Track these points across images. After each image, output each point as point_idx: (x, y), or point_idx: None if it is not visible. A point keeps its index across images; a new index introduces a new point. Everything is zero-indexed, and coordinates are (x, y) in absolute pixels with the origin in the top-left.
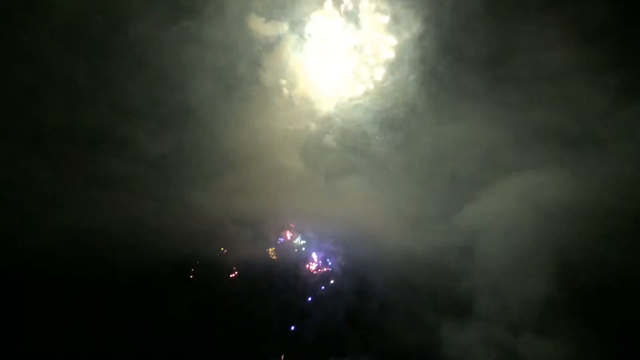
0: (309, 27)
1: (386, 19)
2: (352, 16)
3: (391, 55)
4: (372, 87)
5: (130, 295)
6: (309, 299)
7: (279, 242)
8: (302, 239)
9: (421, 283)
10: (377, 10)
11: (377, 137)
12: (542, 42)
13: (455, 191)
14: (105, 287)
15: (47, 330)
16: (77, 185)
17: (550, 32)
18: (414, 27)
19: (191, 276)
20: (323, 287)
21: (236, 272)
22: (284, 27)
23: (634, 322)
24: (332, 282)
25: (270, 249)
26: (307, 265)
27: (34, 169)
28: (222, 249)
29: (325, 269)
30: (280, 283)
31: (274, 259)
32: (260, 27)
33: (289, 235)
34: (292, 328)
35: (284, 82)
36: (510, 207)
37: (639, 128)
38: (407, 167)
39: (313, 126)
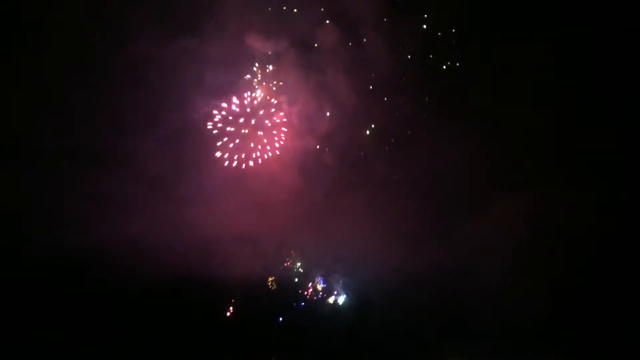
0: (309, 44)
1: (385, 36)
2: (351, 32)
3: (390, 72)
4: (371, 104)
5: (127, 314)
6: (308, 317)
7: (277, 259)
8: (301, 256)
9: (420, 301)
10: (377, 27)
11: (376, 155)
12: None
13: (454, 209)
14: (102, 305)
15: (44, 346)
16: (75, 203)
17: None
18: (413, 44)
19: (189, 295)
20: (322, 305)
21: (235, 290)
22: (284, 43)
23: (630, 341)
24: (331, 300)
25: (269, 267)
26: (306, 284)
27: (32, 186)
28: (220, 267)
29: (324, 287)
30: (280, 301)
31: (273, 276)
32: (260, 44)
33: (287, 253)
34: (291, 347)
35: (283, 98)
36: (508, 226)
37: None
38: (405, 186)
39: (312, 143)
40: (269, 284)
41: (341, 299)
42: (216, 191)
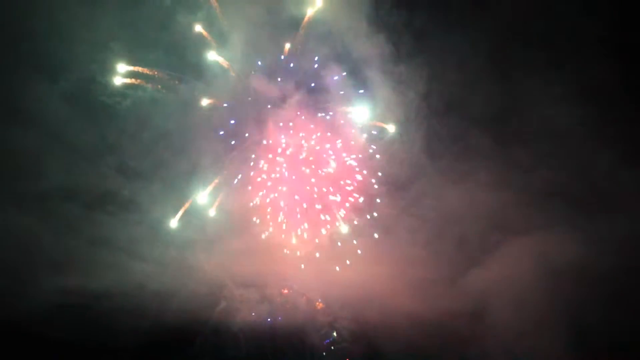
0: (313, 86)
1: (392, 78)
2: (356, 75)
3: (397, 114)
4: (377, 146)
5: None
6: None
7: (284, 305)
8: (308, 302)
9: (430, 348)
10: (383, 70)
11: (383, 198)
12: (546, 100)
13: (462, 253)
14: (106, 352)
15: None
16: (79, 248)
17: (553, 90)
18: (419, 86)
19: (195, 341)
20: (330, 351)
21: (241, 336)
22: (289, 85)
23: None
24: (339, 346)
25: (275, 312)
26: (313, 329)
27: (36, 230)
28: (225, 312)
29: (332, 333)
30: (286, 348)
31: (279, 322)
32: (264, 86)
33: (294, 298)
34: None
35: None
36: (519, 269)
37: None
38: (413, 229)
39: (318, 186)
40: (274, 329)
41: (348, 345)
42: (221, 234)
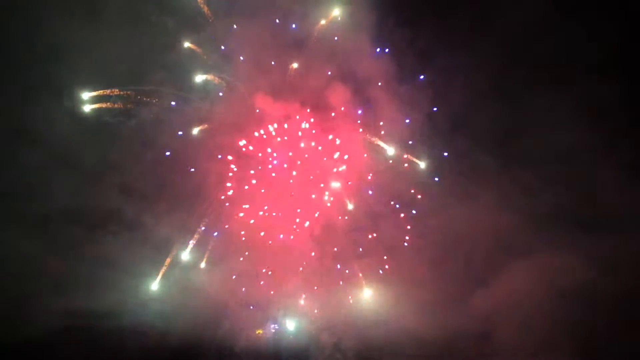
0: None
1: (398, 98)
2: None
3: (403, 135)
4: (383, 167)
5: None
6: None
7: (288, 325)
8: (312, 322)
9: None
10: (389, 91)
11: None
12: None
13: (468, 274)
14: None
15: None
16: (82, 268)
17: (560, 112)
18: (424, 107)
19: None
20: None
21: (244, 357)
22: (294, 105)
23: None
24: None
25: (279, 333)
26: (318, 350)
27: (39, 252)
28: (229, 333)
29: (337, 354)
30: None
31: (283, 343)
32: (269, 105)
33: (298, 318)
34: None
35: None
36: (525, 290)
37: None
38: (419, 250)
39: (323, 205)
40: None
41: None
42: (224, 255)
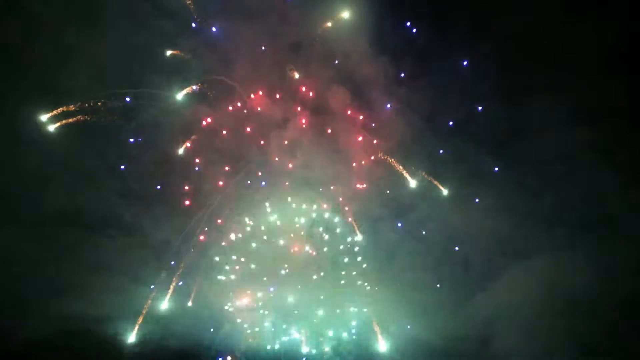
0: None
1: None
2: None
3: (400, 138)
4: (380, 169)
5: None
6: None
7: (285, 330)
8: (311, 327)
9: None
10: (386, 91)
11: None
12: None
13: (468, 277)
14: None
15: None
16: (80, 272)
17: (559, 113)
18: (424, 108)
19: None
20: None
21: None
22: (293, 106)
23: None
24: None
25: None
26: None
27: (37, 255)
28: (228, 337)
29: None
30: None
31: (281, 347)
32: (269, 107)
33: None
34: None
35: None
36: (524, 293)
37: None
38: (417, 254)
39: (322, 208)
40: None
41: None
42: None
